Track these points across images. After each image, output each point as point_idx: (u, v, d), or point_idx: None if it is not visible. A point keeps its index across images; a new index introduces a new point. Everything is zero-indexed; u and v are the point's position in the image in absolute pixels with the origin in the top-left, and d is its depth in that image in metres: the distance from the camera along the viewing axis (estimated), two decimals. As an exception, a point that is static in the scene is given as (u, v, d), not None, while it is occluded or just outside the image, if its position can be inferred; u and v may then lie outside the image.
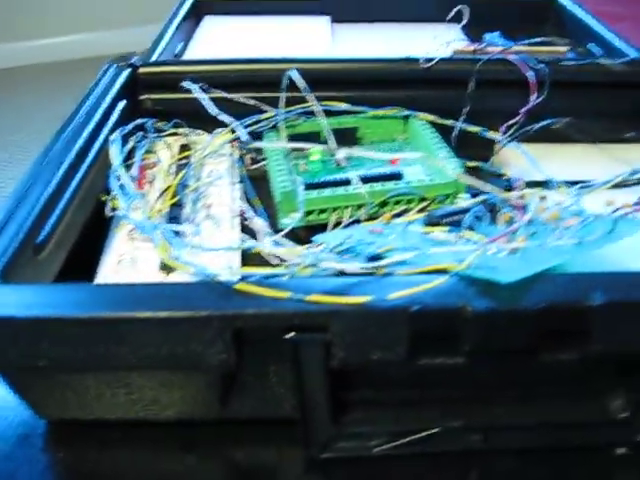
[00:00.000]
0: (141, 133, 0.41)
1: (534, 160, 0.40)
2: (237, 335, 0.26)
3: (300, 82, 0.40)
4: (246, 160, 0.44)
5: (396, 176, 0.39)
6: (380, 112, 0.44)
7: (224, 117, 0.41)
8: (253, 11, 0.65)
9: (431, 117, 0.44)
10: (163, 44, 0.53)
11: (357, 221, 0.37)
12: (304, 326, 0.26)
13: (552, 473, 0.30)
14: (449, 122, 0.44)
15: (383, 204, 0.37)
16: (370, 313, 0.26)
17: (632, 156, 0.44)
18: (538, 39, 0.50)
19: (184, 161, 0.42)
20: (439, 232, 0.32)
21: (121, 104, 0.43)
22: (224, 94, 0.44)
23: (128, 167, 0.39)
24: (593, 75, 0.46)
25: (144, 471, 0.30)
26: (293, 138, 0.43)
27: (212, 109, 0.41)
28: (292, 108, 0.43)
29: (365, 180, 0.38)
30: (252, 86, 0.45)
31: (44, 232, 0.33)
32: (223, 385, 0.29)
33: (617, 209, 0.36)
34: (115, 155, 0.35)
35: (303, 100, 0.43)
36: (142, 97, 0.46)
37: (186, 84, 0.42)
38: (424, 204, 0.38)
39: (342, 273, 0.27)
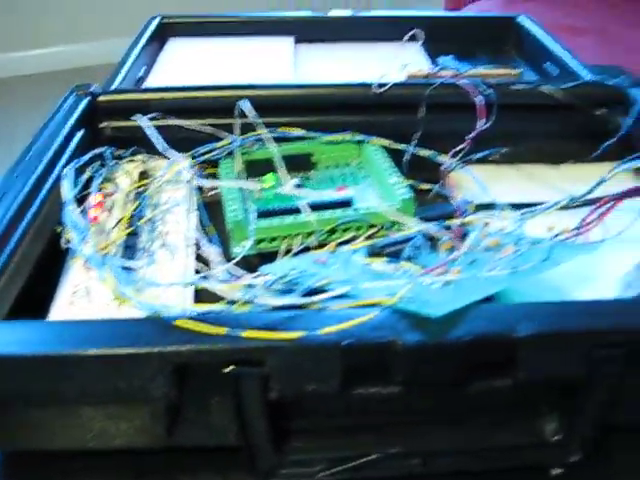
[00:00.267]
0: (98, 162, 0.42)
1: (482, 184, 0.42)
2: (178, 370, 0.27)
3: (250, 112, 0.41)
4: (204, 187, 0.45)
5: (346, 203, 0.40)
6: (334, 137, 0.45)
7: (171, 152, 0.42)
8: (218, 32, 0.66)
9: (385, 142, 0.45)
10: (125, 69, 0.54)
11: (307, 248, 0.38)
12: (241, 361, 0.27)
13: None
14: (402, 146, 0.45)
15: (332, 231, 0.39)
16: (303, 348, 0.27)
17: (582, 176, 0.45)
18: (491, 62, 0.51)
19: (143, 188, 0.43)
20: (378, 263, 0.33)
21: (79, 133, 0.44)
22: (181, 122, 0.45)
23: (85, 197, 0.40)
24: (539, 98, 0.47)
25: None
26: (248, 165, 0.44)
27: (160, 144, 0.42)
28: (247, 135, 0.44)
29: (314, 208, 0.39)
30: (210, 113, 0.46)
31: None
32: (168, 416, 0.30)
33: (557, 235, 0.37)
34: (67, 190, 0.36)
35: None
36: (102, 125, 0.47)
37: (136, 118, 0.43)
38: (372, 231, 0.39)
39: (279, 307, 0.28)
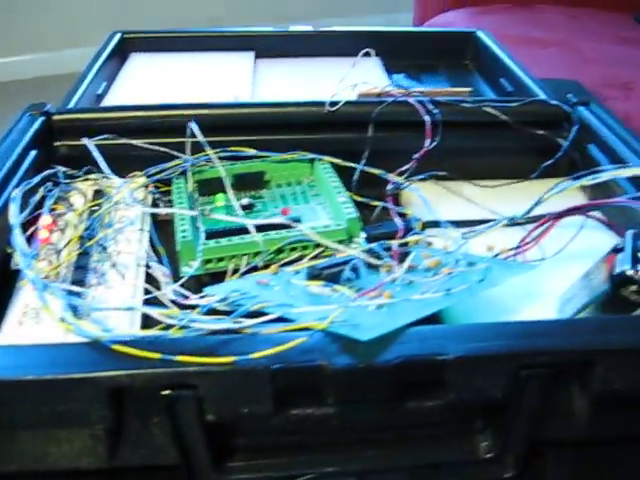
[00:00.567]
0: (50, 183, 0.43)
1: (427, 202, 0.42)
2: (114, 393, 0.28)
3: (198, 134, 0.42)
4: (158, 205, 0.45)
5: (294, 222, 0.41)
6: (286, 156, 0.46)
7: (114, 178, 0.43)
8: (180, 48, 0.66)
9: (335, 160, 0.46)
10: (84, 85, 0.54)
11: (255, 268, 0.39)
12: (176, 385, 0.28)
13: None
14: (352, 164, 0.46)
15: (279, 251, 0.39)
16: (235, 372, 0.27)
17: (530, 193, 0.46)
18: (450, 77, 0.52)
19: (97, 207, 0.44)
20: (316, 286, 0.33)
21: (33, 153, 0.45)
22: (134, 141, 0.45)
23: (37, 217, 0.40)
24: (485, 117, 0.48)
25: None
26: (201, 184, 0.45)
27: (105, 168, 0.42)
28: (198, 155, 0.44)
29: (261, 228, 0.39)
30: (164, 132, 0.47)
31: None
32: (108, 438, 0.30)
33: (496, 254, 0.38)
34: (14, 214, 0.37)
35: (213, 146, 0.44)
36: (57, 144, 0.48)
37: (85, 140, 0.44)
38: (318, 250, 0.39)
39: (214, 332, 0.29)
